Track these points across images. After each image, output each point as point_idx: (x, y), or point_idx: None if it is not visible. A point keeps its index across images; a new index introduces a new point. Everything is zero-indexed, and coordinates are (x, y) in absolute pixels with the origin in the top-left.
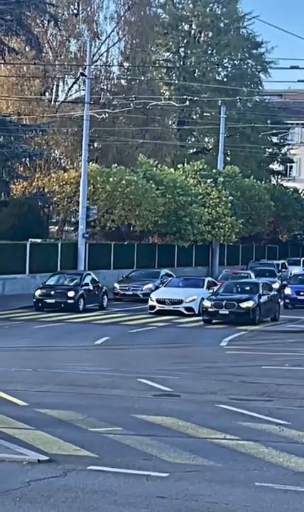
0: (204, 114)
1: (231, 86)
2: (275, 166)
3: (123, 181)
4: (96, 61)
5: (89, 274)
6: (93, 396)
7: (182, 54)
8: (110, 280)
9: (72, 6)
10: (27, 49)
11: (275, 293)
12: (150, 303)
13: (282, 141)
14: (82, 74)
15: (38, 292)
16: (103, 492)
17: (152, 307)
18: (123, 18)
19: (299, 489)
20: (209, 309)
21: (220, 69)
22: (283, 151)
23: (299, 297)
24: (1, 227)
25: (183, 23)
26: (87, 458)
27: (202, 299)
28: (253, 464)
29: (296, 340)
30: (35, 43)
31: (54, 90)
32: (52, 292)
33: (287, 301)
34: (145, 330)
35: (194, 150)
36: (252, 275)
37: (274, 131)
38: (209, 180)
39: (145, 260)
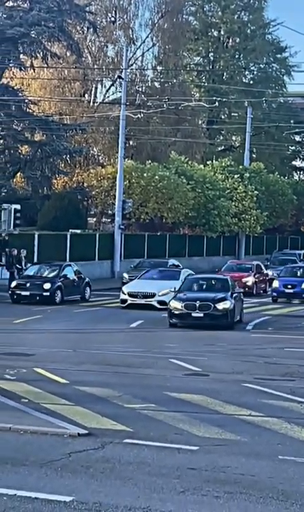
0: (232, 114)
1: (257, 88)
2: (298, 163)
3: (157, 176)
4: (132, 65)
5: (70, 266)
6: (128, 375)
7: (212, 58)
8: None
9: (109, 14)
10: (68, 54)
11: (241, 290)
12: (122, 296)
13: None
14: (119, 77)
15: (13, 284)
16: (138, 463)
17: (123, 301)
18: (157, 25)
19: None
20: (178, 311)
21: (247, 72)
22: None
23: (286, 290)
24: (43, 219)
25: (213, 30)
26: (123, 432)
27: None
28: (276, 439)
29: None
30: (75, 48)
31: (93, 92)
32: (28, 284)
33: (274, 294)
34: None
35: (222, 148)
36: (262, 266)
37: (297, 130)
38: (236, 176)
39: (177, 250)
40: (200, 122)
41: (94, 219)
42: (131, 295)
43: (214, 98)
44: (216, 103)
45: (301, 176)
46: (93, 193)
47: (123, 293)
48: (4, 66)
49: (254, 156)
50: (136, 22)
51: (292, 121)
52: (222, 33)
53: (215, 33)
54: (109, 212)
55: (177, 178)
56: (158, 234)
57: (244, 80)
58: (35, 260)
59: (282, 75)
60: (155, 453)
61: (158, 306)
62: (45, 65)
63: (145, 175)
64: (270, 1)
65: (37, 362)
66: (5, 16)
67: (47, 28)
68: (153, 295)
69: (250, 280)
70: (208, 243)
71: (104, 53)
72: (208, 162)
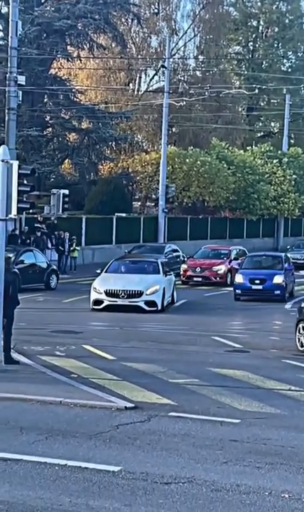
0: (271, 101)
1: (295, 76)
2: None
3: (198, 162)
4: (175, 55)
5: (31, 251)
6: (172, 351)
7: (251, 47)
8: (187, 251)
9: (152, 6)
10: (113, 45)
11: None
12: (96, 296)
13: None
14: (163, 66)
15: None
16: (182, 435)
17: (97, 302)
18: (198, 16)
19: None
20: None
21: (285, 60)
22: None
23: (254, 286)
24: (90, 203)
25: (252, 20)
26: (168, 405)
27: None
28: None
29: None
30: (120, 39)
31: (137, 81)
32: None
33: (238, 291)
34: (219, 293)
35: (262, 134)
36: (245, 251)
37: None
38: (274, 161)
39: (218, 232)
40: (240, 109)
41: (139, 203)
42: (109, 294)
43: (254, 86)
44: (256, 90)
45: None
46: (137, 178)
47: (97, 291)
48: (53, 57)
49: (292, 141)
50: (178, 13)
51: None
52: (261, 23)
53: (254, 23)
54: (153, 196)
55: (218, 163)
56: (200, 217)
57: (283, 68)
58: (83, 243)
59: None
60: (199, 425)
61: (146, 308)
62: (91, 56)
63: (187, 160)
64: None
65: (85, 339)
66: (53, 9)
67: (93, 20)
68: (139, 294)
69: (222, 268)
70: (248, 226)
71: (147, 44)
72: (248, 148)
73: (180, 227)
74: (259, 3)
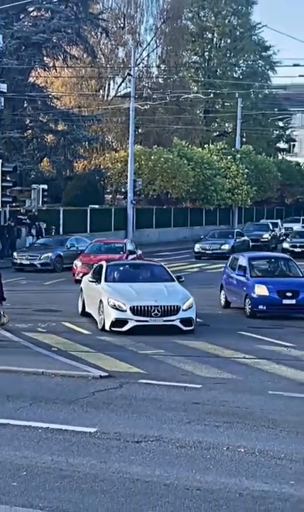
0: (225, 104)
1: (246, 82)
2: (281, 145)
3: (162, 159)
4: (139, 64)
5: None
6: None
7: (207, 57)
8: (153, 237)
9: (119, 21)
10: (84, 56)
11: None
12: (117, 314)
13: (286, 124)
14: (129, 74)
15: None
16: (151, 400)
17: (120, 322)
18: (159, 30)
19: (303, 396)
20: None
21: (237, 68)
22: (287, 133)
23: (285, 301)
24: (67, 197)
25: (207, 32)
26: (138, 374)
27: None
28: (267, 377)
29: None
30: (90, 50)
31: (106, 88)
32: None
33: (261, 307)
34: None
35: (217, 133)
36: (129, 246)
37: (280, 117)
38: (229, 157)
39: (180, 221)
40: (198, 112)
41: (110, 196)
42: (137, 311)
43: (209, 91)
44: (211, 95)
45: (284, 155)
46: (108, 174)
47: (118, 307)
48: (31, 67)
49: (244, 139)
50: (141, 27)
51: (276, 109)
52: (215, 35)
53: (209, 35)
54: (122, 190)
55: (179, 160)
56: (164, 207)
57: (235, 75)
58: (61, 232)
59: (267, 70)
60: (165, 390)
61: (183, 327)
62: (66, 66)
63: (152, 157)
64: (255, 7)
65: (64, 317)
66: (30, 24)
67: (66, 33)
68: (176, 310)
69: None
70: (206, 214)
71: (115, 54)
72: (205, 145)
73: (146, 217)
74: (213, 18)
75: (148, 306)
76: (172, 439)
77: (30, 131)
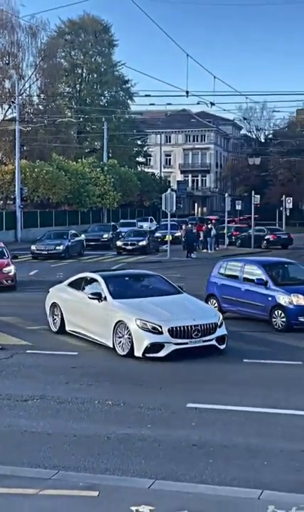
0: (93, 126)
1: (110, 108)
2: (140, 159)
3: (44, 171)
4: (23, 93)
5: None
6: (31, 307)
7: (78, 88)
8: (38, 235)
9: (4, 58)
10: None
11: None
12: (152, 338)
13: (143, 143)
14: (13, 102)
15: None
16: (36, 366)
17: (155, 347)
18: (38, 65)
19: (169, 362)
20: None
21: (102, 97)
22: (144, 149)
23: None
24: None
25: (77, 68)
26: (26, 345)
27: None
28: None
29: None
30: None
31: None
32: None
33: (302, 319)
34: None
35: (88, 150)
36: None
37: (138, 137)
38: (98, 169)
39: (60, 221)
40: (72, 132)
41: (1, 201)
42: (177, 334)
43: (80, 116)
44: (81, 119)
45: (142, 167)
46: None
47: (153, 329)
48: None
49: (110, 155)
50: (23, 63)
51: (134, 131)
52: (84, 70)
53: (79, 71)
54: (12, 196)
55: (58, 172)
56: (47, 210)
57: (101, 103)
58: None
59: (126, 99)
60: (48, 358)
61: (220, 346)
62: None
63: (35, 170)
64: (116, 49)
65: None
66: None
67: None
68: (214, 328)
69: (12, 269)
70: (82, 215)
71: (2, 86)
72: (79, 160)
73: (32, 218)
74: (82, 57)
75: (187, 327)
76: (54, 396)
77: None
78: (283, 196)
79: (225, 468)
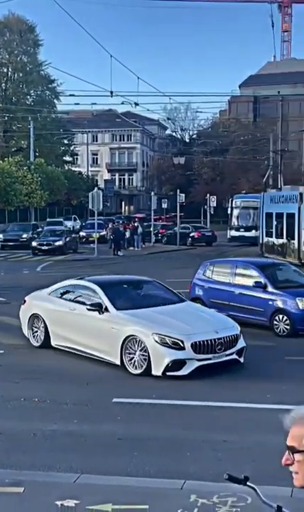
0: (19, 126)
1: (36, 108)
2: (67, 158)
3: None
4: None
5: None
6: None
7: (4, 87)
8: None
9: None
10: None
11: None
12: (174, 355)
13: (70, 142)
14: None
15: None
16: None
17: (177, 364)
18: None
19: (94, 358)
20: None
21: (28, 97)
22: (71, 148)
23: None
24: None
25: (3, 67)
26: None
27: None
28: None
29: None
30: None
31: None
32: None
33: (299, 327)
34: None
35: (15, 149)
36: None
37: (65, 136)
38: (25, 168)
39: None
40: None
41: None
42: (199, 349)
43: (6, 115)
44: (6, 118)
45: (69, 166)
46: None
47: (174, 345)
48: None
49: (37, 154)
50: None
51: (61, 130)
52: (10, 69)
53: (5, 70)
54: None
55: None
56: None
57: (27, 102)
58: None
59: (53, 99)
60: None
61: (240, 359)
62: None
63: None
64: (42, 48)
65: None
66: None
67: None
68: (235, 340)
69: None
70: (9, 214)
71: None
72: (5, 159)
73: None
74: (7, 56)
75: (211, 340)
76: None
77: None
78: (208, 195)
79: (149, 461)
